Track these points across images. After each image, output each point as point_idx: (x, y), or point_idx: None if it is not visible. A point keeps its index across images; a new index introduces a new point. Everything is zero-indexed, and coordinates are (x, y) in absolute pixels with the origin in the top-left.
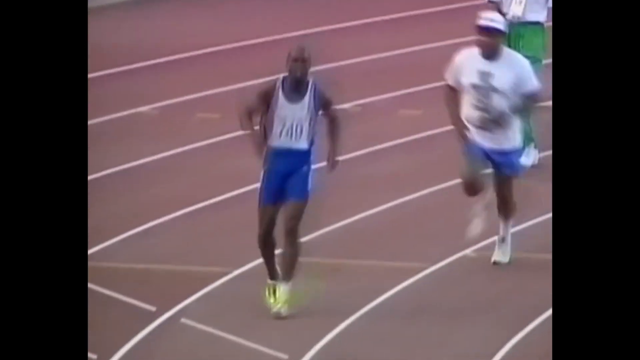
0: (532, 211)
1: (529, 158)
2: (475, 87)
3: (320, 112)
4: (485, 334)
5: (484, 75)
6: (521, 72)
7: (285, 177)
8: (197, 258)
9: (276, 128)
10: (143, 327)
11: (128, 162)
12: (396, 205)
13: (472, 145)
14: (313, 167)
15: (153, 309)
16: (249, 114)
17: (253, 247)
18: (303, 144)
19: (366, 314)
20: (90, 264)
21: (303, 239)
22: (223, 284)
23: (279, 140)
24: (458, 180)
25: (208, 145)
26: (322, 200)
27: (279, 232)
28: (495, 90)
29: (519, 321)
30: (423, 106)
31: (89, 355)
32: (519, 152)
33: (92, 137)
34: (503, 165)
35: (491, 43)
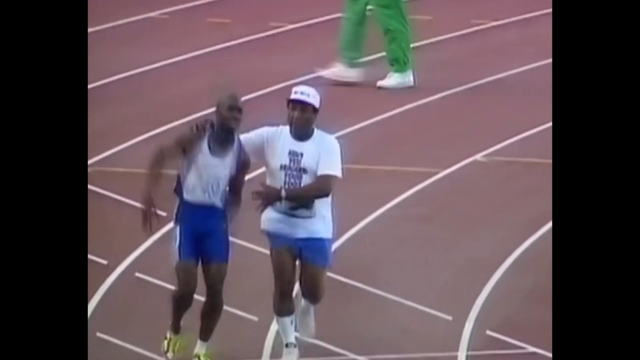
0: (534, 120)
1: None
2: (284, 168)
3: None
4: (496, 238)
5: (295, 155)
6: (325, 154)
7: (203, 236)
8: None
9: (193, 181)
10: (153, 232)
11: (137, 67)
12: (408, 111)
13: (277, 238)
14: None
15: (163, 213)
16: (162, 162)
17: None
18: (219, 202)
19: (378, 218)
20: (100, 169)
21: None
22: None
23: (194, 195)
24: (468, 85)
25: (218, 50)
26: (334, 104)
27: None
28: (305, 171)
29: (530, 225)
30: (434, 12)
31: (100, 260)
32: (329, 241)
33: (102, 42)
34: (313, 254)
35: (299, 117)
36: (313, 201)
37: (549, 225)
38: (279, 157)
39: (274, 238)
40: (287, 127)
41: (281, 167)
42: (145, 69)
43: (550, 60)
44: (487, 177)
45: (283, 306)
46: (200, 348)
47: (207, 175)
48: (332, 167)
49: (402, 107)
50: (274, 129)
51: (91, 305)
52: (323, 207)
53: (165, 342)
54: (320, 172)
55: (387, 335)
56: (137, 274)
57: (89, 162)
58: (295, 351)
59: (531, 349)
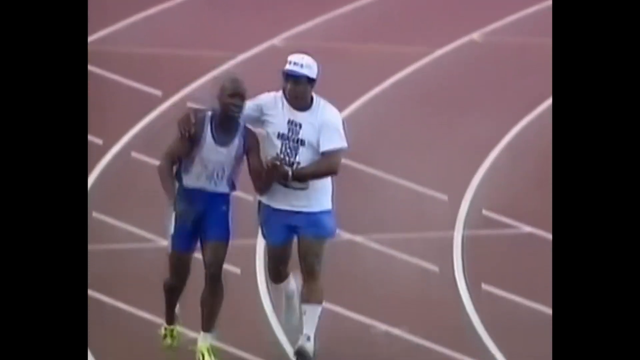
0: None
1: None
2: (282, 137)
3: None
4: (494, 118)
5: (294, 125)
6: (326, 128)
7: (201, 218)
8: (204, 43)
9: (195, 169)
10: (148, 112)
11: None
12: None
13: (269, 210)
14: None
15: (159, 93)
16: (172, 166)
17: (259, 31)
18: (223, 188)
19: (374, 98)
20: (95, 48)
21: None
22: (228, 69)
23: (196, 182)
24: None
25: None
26: None
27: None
28: (302, 143)
29: (522, 108)
30: None
31: (96, 140)
32: (327, 213)
33: None
34: (310, 227)
35: (299, 91)
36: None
37: (543, 107)
38: (277, 125)
39: (268, 212)
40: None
41: (279, 135)
42: None
43: None
44: (483, 57)
45: (277, 278)
46: (203, 341)
47: (212, 164)
48: (336, 140)
49: None
50: (271, 95)
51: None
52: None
53: (162, 334)
54: (324, 148)
55: (384, 215)
56: (133, 154)
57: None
58: (296, 303)
59: (527, 228)
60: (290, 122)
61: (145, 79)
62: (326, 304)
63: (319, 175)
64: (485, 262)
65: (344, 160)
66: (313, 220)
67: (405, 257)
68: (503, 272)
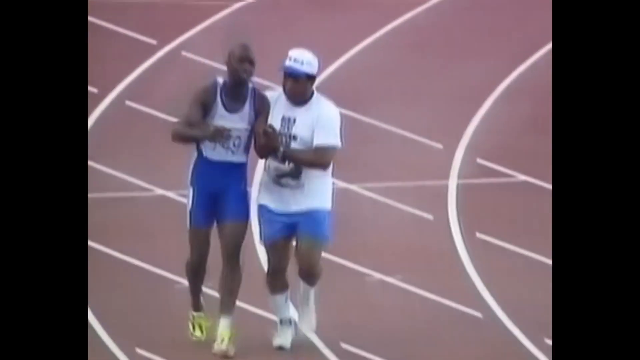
0: None
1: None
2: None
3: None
4: (488, 65)
5: (287, 121)
6: (321, 123)
7: (219, 195)
8: None
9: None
10: (144, 61)
11: None
12: None
13: (268, 211)
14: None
15: (154, 42)
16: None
17: None
18: (240, 157)
19: (368, 47)
20: None
21: None
22: (224, 17)
23: (213, 153)
24: None
25: None
26: None
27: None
28: (294, 138)
29: (519, 54)
30: None
31: (91, 88)
32: (325, 213)
33: None
34: (308, 226)
35: (291, 87)
36: (301, 172)
37: (541, 52)
38: (273, 121)
39: (266, 212)
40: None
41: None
42: None
43: None
44: (479, 1)
45: (276, 283)
46: (224, 327)
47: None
48: (329, 137)
49: None
50: (277, 93)
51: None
52: (317, 176)
53: (190, 324)
54: (316, 143)
55: (378, 164)
56: (128, 102)
57: None
58: (291, 329)
59: (522, 177)
60: (283, 119)
61: (140, 27)
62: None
63: (307, 163)
64: (480, 211)
65: (338, 109)
66: (311, 219)
67: (399, 205)
68: (497, 221)
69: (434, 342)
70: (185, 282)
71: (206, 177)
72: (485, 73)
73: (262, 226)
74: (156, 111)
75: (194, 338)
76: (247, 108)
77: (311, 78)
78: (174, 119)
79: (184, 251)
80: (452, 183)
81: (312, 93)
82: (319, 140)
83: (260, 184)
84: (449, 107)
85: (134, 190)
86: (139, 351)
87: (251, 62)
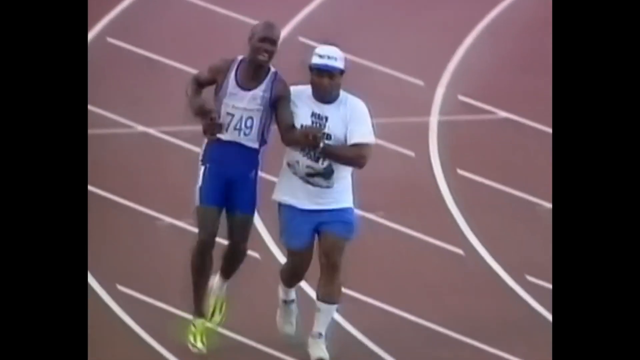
0: None
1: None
2: None
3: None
4: (467, 1)
5: (318, 118)
6: (354, 121)
7: (230, 182)
8: None
9: (223, 118)
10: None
11: None
12: None
13: (294, 211)
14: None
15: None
16: (198, 86)
17: None
18: (253, 142)
19: None
20: None
21: None
22: None
23: (225, 133)
24: None
25: None
26: None
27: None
28: (329, 137)
29: None
30: None
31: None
32: (350, 210)
33: None
34: (335, 222)
35: (328, 85)
36: (333, 172)
37: None
38: (300, 119)
39: (292, 212)
40: (309, 87)
41: (302, 128)
42: None
43: None
44: None
45: (293, 282)
46: (219, 290)
47: (238, 112)
48: (365, 134)
49: None
50: (299, 89)
51: None
52: (343, 177)
53: (191, 335)
54: (352, 141)
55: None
56: (109, 39)
57: None
58: (295, 308)
59: (502, 114)
60: (314, 115)
61: None
62: None
63: (347, 159)
64: (461, 148)
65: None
66: (338, 216)
67: (381, 142)
68: (478, 158)
69: (416, 278)
70: (166, 218)
71: (217, 157)
72: (468, 9)
73: (286, 227)
74: (137, 48)
75: (194, 350)
76: (262, 89)
77: (340, 72)
78: (155, 57)
79: (165, 188)
80: (434, 120)
81: (339, 90)
82: (356, 138)
83: (281, 182)
84: (431, 43)
85: (116, 127)
86: (120, 288)
87: (272, 42)
